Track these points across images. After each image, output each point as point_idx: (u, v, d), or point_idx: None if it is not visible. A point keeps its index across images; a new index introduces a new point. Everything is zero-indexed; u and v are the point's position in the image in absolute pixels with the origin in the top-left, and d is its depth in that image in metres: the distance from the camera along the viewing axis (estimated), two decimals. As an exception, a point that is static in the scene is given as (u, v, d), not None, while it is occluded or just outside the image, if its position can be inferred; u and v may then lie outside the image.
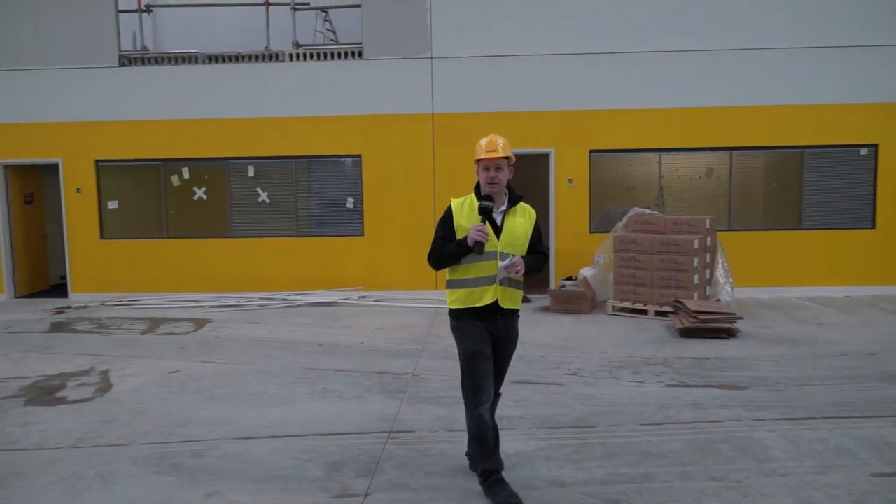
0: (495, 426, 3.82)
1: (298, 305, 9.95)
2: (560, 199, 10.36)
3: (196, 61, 10.66)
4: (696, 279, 8.54)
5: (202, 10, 11.79)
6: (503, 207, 3.84)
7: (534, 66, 10.17)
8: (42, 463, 4.38)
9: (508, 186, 3.88)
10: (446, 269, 3.90)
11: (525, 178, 14.68)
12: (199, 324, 8.80)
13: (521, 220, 3.86)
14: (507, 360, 4.00)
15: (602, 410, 5.16)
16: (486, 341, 3.78)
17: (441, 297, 10.18)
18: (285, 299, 10.17)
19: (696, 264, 8.54)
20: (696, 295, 8.49)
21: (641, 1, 10.07)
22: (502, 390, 4.13)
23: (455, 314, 3.88)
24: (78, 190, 10.73)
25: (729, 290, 9.00)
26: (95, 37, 10.56)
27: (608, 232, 9.83)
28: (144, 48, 11.18)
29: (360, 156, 10.51)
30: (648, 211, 9.56)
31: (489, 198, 3.76)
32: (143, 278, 10.78)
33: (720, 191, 10.39)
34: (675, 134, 10.22)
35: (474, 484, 3.91)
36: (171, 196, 10.79)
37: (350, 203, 10.61)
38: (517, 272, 3.68)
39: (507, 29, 10.19)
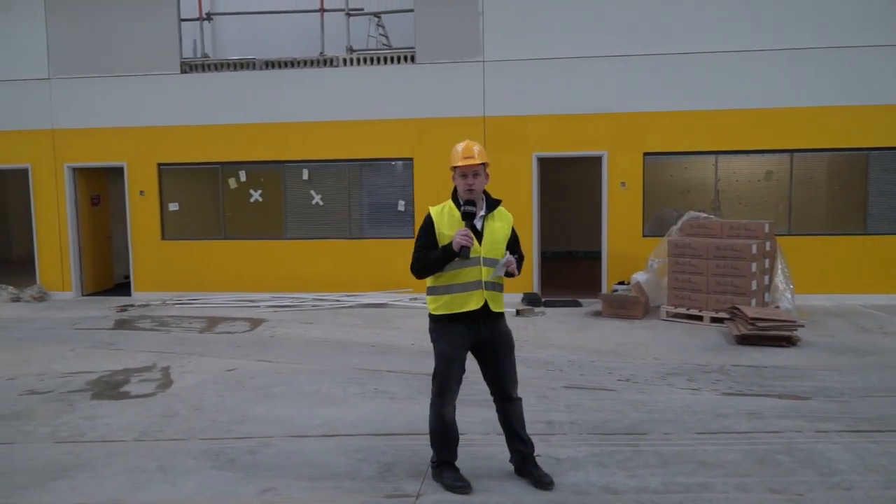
0: (455, 428, 4.05)
1: (350, 306, 10.09)
2: (613, 202, 10.23)
3: (253, 67, 10.93)
4: (754, 285, 8.31)
5: (259, 17, 12.08)
6: (482, 213, 3.91)
7: (586, 67, 10.07)
8: (107, 455, 4.55)
9: (485, 191, 3.99)
10: (429, 277, 3.92)
11: (577, 181, 14.66)
12: (255, 323, 9.02)
13: (500, 224, 3.97)
14: (506, 362, 4.05)
15: (656, 417, 5.07)
16: (463, 348, 3.94)
17: (491, 300, 10.16)
18: (338, 300, 10.33)
19: (754, 270, 8.31)
20: (753, 301, 8.26)
21: (699, 1, 9.86)
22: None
23: (436, 319, 3.95)
24: (141, 192, 11.14)
25: (789, 296, 8.73)
26: (159, 45, 10.95)
27: (662, 236, 9.66)
28: (205, 55, 11.53)
29: (411, 159, 10.59)
30: (704, 215, 9.35)
31: (472, 203, 3.84)
32: (202, 278, 11.10)
33: (780, 194, 10.09)
34: (734, 136, 9.96)
35: (525, 488, 3.90)
36: (229, 198, 11.08)
37: (401, 206, 10.70)
38: (511, 270, 3.82)
39: (559, 31, 10.12)
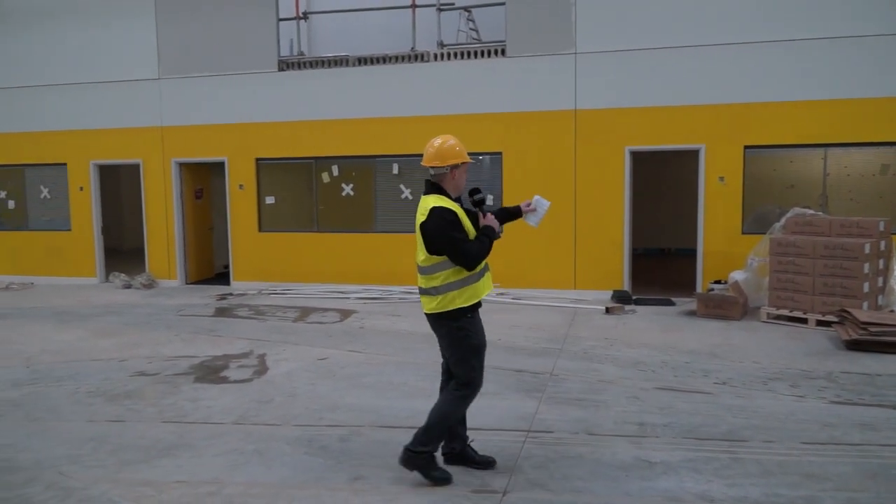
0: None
1: (437, 300, 10.14)
2: (710, 197, 9.80)
3: (347, 64, 11.17)
4: (866, 287, 7.76)
5: (351, 15, 12.33)
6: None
7: (683, 57, 9.68)
8: (208, 436, 4.78)
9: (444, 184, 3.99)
10: (444, 273, 3.87)
11: (672, 176, 14.15)
12: (345, 314, 9.24)
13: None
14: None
15: (756, 424, 4.82)
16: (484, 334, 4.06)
17: (582, 297, 10.01)
18: (425, 294, 10.41)
19: (866, 271, 7.76)
20: (865, 304, 7.72)
21: (808, -16, 9.29)
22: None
23: (464, 312, 3.92)
24: (241, 186, 11.63)
25: (906, 300, 8.11)
26: (258, 44, 11.37)
27: (763, 233, 9.18)
28: (301, 53, 11.89)
29: (500, 153, 10.54)
30: (811, 211, 8.80)
31: (478, 191, 4.07)
32: (295, 269, 11.48)
33: (897, 190, 9.38)
34: (845, 127, 9.32)
35: (615, 491, 3.80)
36: (322, 192, 11.40)
37: (489, 200, 10.67)
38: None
39: (653, 20, 9.78)
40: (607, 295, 10.03)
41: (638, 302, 9.69)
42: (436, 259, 3.86)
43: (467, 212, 4.02)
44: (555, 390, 5.70)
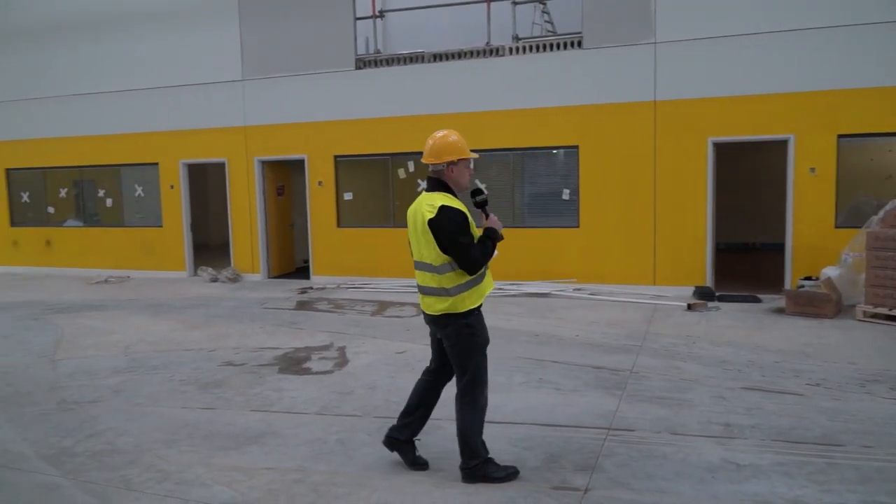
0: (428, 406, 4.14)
1: (513, 295, 10.13)
2: (800, 189, 9.35)
3: (422, 60, 11.26)
4: (976, 284, 7.23)
5: (425, 11, 12.41)
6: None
7: (769, 43, 9.26)
8: (292, 425, 4.93)
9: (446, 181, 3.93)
10: (452, 274, 3.80)
11: (759, 167, 13.58)
12: (421, 309, 9.32)
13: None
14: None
15: (853, 428, 4.58)
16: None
17: (661, 293, 9.77)
18: (500, 288, 10.40)
19: (976, 267, 7.22)
20: (975, 303, 7.19)
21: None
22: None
23: (472, 312, 3.83)
24: (320, 183, 11.93)
25: None
26: (336, 44, 11.61)
27: (858, 227, 8.68)
28: (377, 51, 12.06)
29: (577, 146, 10.39)
30: (912, 203, 8.26)
31: (480, 191, 3.99)
32: (372, 264, 11.69)
33: None
34: (952, 113, 8.70)
35: (702, 493, 3.70)
36: (398, 188, 11.54)
37: (566, 194, 10.54)
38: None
39: (736, 5, 9.40)
40: (688, 291, 9.74)
41: (721, 299, 9.36)
42: (446, 259, 3.77)
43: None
44: (636, 388, 5.58)
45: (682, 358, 6.49)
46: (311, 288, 11.37)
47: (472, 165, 4.00)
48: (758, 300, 9.27)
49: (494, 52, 10.84)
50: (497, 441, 4.49)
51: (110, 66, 13.20)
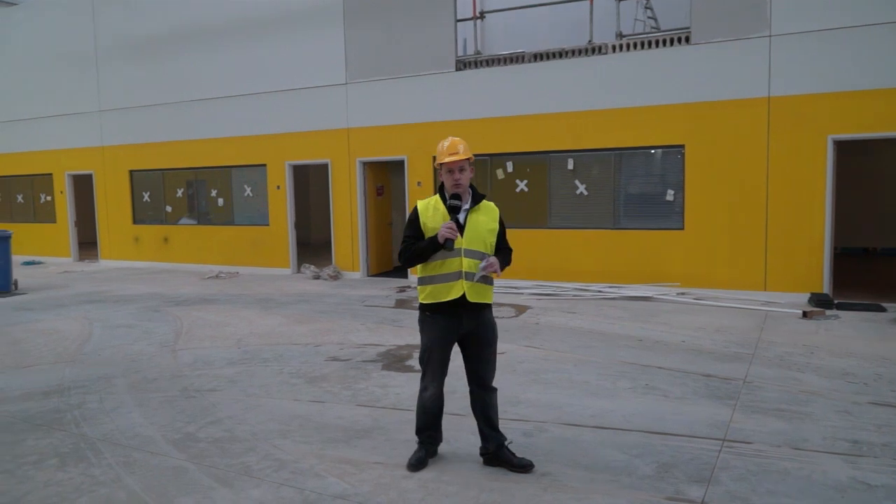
0: (440, 409, 4.24)
1: (613, 298, 9.91)
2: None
3: (523, 60, 11.21)
4: None
5: (522, 11, 12.33)
6: (466, 206, 4.04)
7: (893, 34, 8.62)
8: (398, 421, 5.02)
9: (471, 185, 4.11)
10: (418, 267, 4.07)
11: (880, 167, 12.66)
12: (520, 309, 9.29)
13: (484, 218, 4.06)
14: (487, 351, 4.11)
15: None
16: (443, 339, 4.05)
17: (773, 299, 9.31)
18: (600, 291, 10.21)
19: None
20: None
21: None
22: (497, 384, 4.29)
23: (423, 308, 4.09)
24: (419, 183, 12.10)
25: None
26: (437, 46, 11.75)
27: None
28: (477, 52, 12.10)
29: (683, 146, 10.03)
30: None
31: (457, 197, 3.99)
32: (469, 264, 11.70)
33: None
34: None
35: (831, 513, 3.48)
36: (496, 188, 11.53)
37: (670, 195, 10.21)
38: (494, 271, 3.90)
39: (867, -6, 8.80)
40: (802, 298, 9.21)
41: (840, 306, 8.79)
42: None
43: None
44: (750, 398, 5.33)
45: (799, 368, 6.14)
46: (410, 286, 11.55)
47: (457, 169, 4.05)
48: (882, 309, 8.65)
49: (597, 49, 10.63)
50: (606, 447, 4.41)
51: (222, 73, 13.92)
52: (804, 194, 9.27)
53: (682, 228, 10.09)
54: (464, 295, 3.96)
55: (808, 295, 9.19)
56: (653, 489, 3.81)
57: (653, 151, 10.34)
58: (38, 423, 5.13)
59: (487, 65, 11.53)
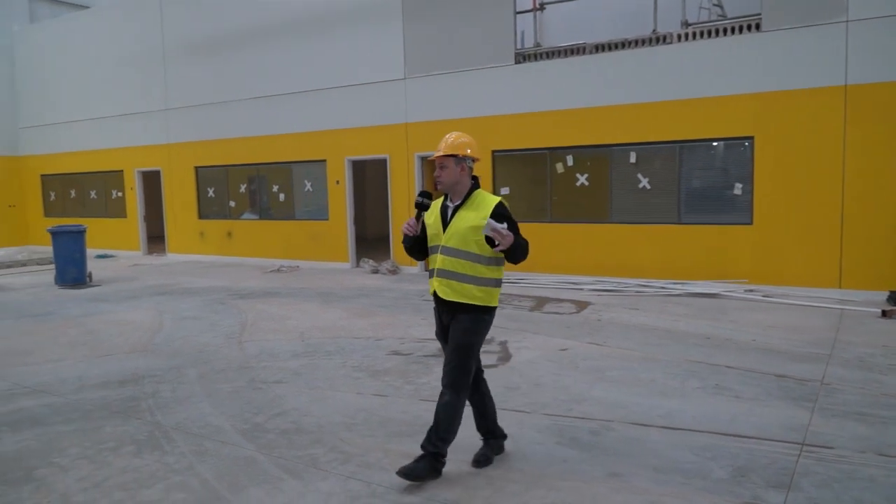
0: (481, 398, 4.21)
1: (678, 295, 9.65)
2: None
3: (584, 52, 11.01)
4: None
5: (581, 2, 12.09)
6: (458, 203, 3.95)
7: None
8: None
9: (474, 179, 4.02)
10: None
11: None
12: (581, 305, 9.15)
13: (471, 214, 3.88)
14: (455, 347, 3.90)
15: None
16: (437, 332, 4.17)
17: (848, 297, 8.94)
18: (663, 287, 9.96)
19: None
20: None
21: None
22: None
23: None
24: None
25: None
26: (496, 39, 11.65)
27: None
28: (537, 44, 11.95)
29: (752, 137, 9.68)
30: None
31: (427, 195, 4.00)
32: (528, 259, 11.54)
33: None
34: None
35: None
36: (556, 182, 11.40)
37: (738, 189, 9.87)
38: (502, 237, 3.64)
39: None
40: (881, 296, 8.79)
41: (924, 305, 8.34)
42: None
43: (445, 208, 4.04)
44: (829, 401, 5.10)
45: (881, 370, 5.85)
46: (468, 281, 11.50)
47: (437, 168, 4.00)
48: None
49: (661, 39, 10.35)
50: (676, 448, 4.29)
51: (282, 71, 14.16)
52: (883, 187, 8.82)
53: (751, 223, 9.74)
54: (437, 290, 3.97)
55: (886, 293, 8.75)
56: (729, 493, 3.68)
57: (714, 144, 10.01)
58: (115, 410, 5.32)
59: (547, 57, 11.37)
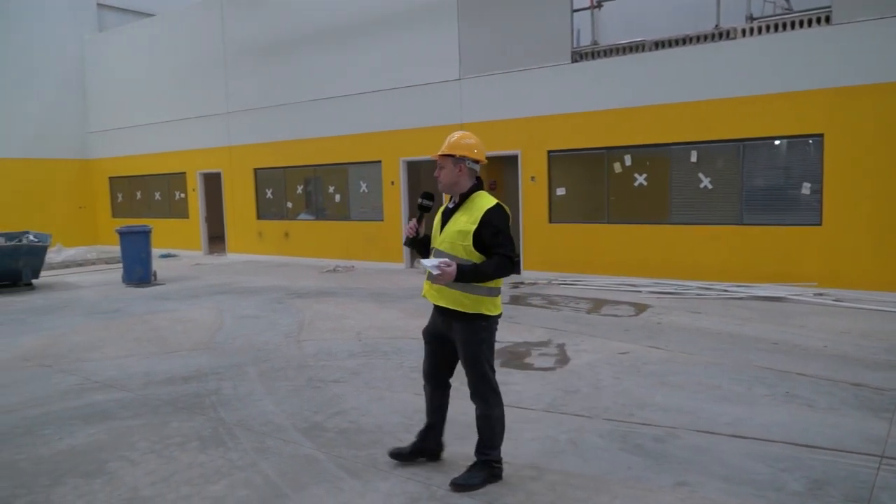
0: (434, 409, 4.17)
1: (741, 298, 9.35)
2: None
3: (643, 49, 10.78)
4: None
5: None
6: (456, 204, 3.84)
7: None
8: (521, 420, 4.93)
9: (478, 179, 3.87)
10: None
11: None
12: (640, 308, 8.96)
13: (464, 218, 3.74)
14: (463, 360, 3.85)
15: None
16: (430, 333, 4.04)
17: (926, 303, 8.46)
18: (725, 290, 9.66)
19: None
20: None
21: None
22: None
23: None
24: (532, 178, 11.94)
25: None
26: (552, 38, 11.52)
27: None
28: (594, 42, 11.77)
29: (821, 135, 9.30)
30: None
31: (430, 195, 3.93)
32: (584, 260, 11.46)
33: None
34: None
35: None
36: (613, 183, 11.19)
37: (806, 188, 9.49)
38: (437, 272, 3.52)
39: None
40: (963, 301, 8.31)
41: None
42: None
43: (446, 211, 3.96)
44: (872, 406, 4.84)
45: (966, 380, 5.52)
46: (523, 283, 11.43)
47: (437, 168, 3.89)
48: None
49: (724, 34, 10.05)
50: (746, 458, 4.13)
51: (338, 73, 14.33)
52: (966, 186, 8.36)
53: (820, 224, 9.36)
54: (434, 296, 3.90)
55: (969, 298, 8.29)
56: (803, 506, 3.52)
57: (776, 143, 9.66)
58: (181, 406, 5.46)
59: (605, 55, 11.18)
